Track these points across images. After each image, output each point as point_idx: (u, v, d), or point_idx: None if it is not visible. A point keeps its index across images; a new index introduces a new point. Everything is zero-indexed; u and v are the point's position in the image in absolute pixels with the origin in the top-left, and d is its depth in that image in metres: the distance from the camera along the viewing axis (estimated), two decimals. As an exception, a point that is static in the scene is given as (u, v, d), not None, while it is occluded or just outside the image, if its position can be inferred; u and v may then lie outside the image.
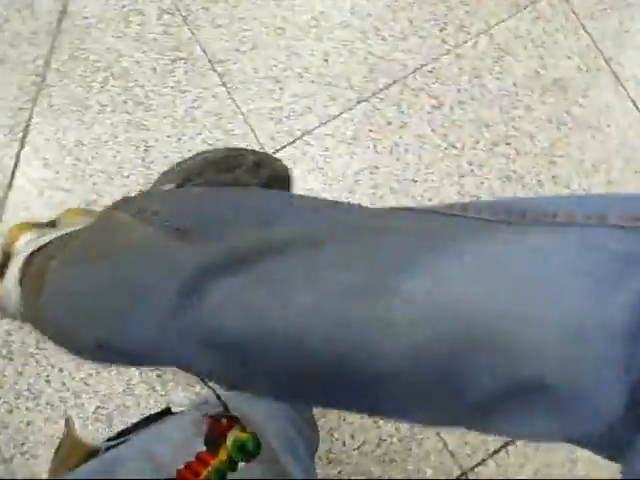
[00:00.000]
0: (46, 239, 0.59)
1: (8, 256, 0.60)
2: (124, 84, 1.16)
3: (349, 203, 0.52)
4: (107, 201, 1.12)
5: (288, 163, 1.15)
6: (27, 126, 1.14)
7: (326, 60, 1.21)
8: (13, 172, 1.12)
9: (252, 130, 1.17)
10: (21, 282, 0.58)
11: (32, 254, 0.58)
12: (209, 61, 1.18)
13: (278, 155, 1.17)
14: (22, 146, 1.13)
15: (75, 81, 1.16)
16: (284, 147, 1.17)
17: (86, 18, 1.18)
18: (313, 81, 1.20)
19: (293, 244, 0.40)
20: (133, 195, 0.58)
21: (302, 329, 0.37)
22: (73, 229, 0.59)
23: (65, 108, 1.15)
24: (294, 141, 1.18)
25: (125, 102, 1.16)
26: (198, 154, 0.77)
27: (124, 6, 1.19)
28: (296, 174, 1.16)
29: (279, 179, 0.79)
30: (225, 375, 0.43)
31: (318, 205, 0.50)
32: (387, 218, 0.43)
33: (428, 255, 0.36)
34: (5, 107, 1.14)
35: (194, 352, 0.41)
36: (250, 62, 1.19)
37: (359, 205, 0.50)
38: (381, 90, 1.22)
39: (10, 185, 1.12)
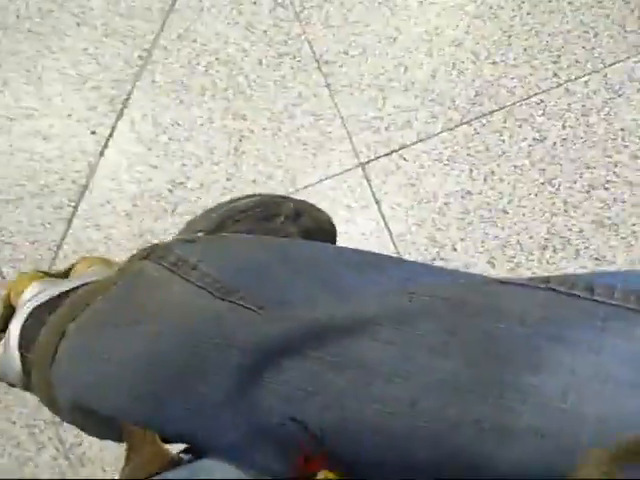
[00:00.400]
0: (56, 291, 0.47)
1: (12, 309, 0.49)
2: (228, 71, 1.15)
3: (440, 267, 0.42)
4: (192, 185, 1.10)
5: (380, 175, 1.12)
6: (127, 99, 1.13)
7: (433, 76, 1.18)
8: (107, 141, 1.11)
9: (349, 135, 1.14)
10: (22, 344, 0.46)
11: (39, 307, 0.47)
12: (316, 60, 1.16)
13: (372, 165, 1.13)
14: (119, 117, 1.12)
15: (180, 61, 1.14)
16: (378, 158, 1.14)
17: (200, 1, 1.17)
18: (417, 96, 1.17)
19: (378, 319, 0.33)
20: (166, 242, 0.47)
21: (395, 427, 0.30)
22: (91, 280, 0.48)
23: (166, 86, 1.14)
24: (390, 153, 1.14)
25: (226, 89, 1.14)
26: (233, 200, 0.65)
27: (239, -6, 1.17)
28: (386, 188, 1.13)
29: (321, 231, 0.69)
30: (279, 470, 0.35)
31: (401, 268, 0.40)
32: (490, 292, 0.34)
33: (554, 347, 0.29)
34: (109, 77, 1.14)
35: (252, 443, 0.34)
36: (357, 67, 1.16)
37: (451, 270, 0.41)
38: (485, 115, 1.18)
39: (102, 153, 1.11)
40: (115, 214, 1.10)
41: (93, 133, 1.12)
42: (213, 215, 0.62)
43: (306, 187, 1.12)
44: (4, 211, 1.12)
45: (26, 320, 0.46)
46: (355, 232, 1.12)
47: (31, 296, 0.47)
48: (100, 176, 1.11)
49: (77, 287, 0.46)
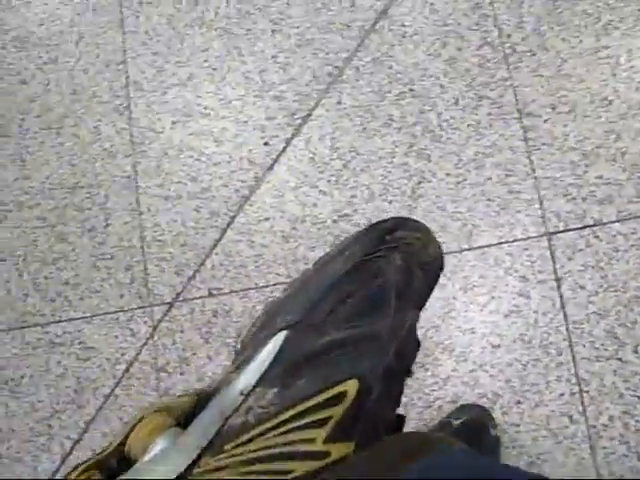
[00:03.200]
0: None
1: (127, 461, 0.39)
2: (420, 106, 1.05)
3: None
4: (359, 219, 1.01)
5: (567, 251, 0.98)
6: (308, 115, 1.06)
7: (647, 151, 1.03)
8: (279, 155, 1.05)
9: (540, 199, 1.01)
10: None
11: None
12: (518, 110, 1.04)
13: (559, 237, 1.00)
14: (297, 134, 1.05)
15: (371, 86, 1.06)
16: (569, 230, 1.00)
17: (403, 26, 1.09)
18: (625, 169, 1.03)
19: None
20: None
21: None
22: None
23: (352, 110, 1.06)
24: (583, 227, 1.01)
25: (415, 124, 1.05)
26: (311, 269, 0.48)
27: (446, 25, 1.08)
28: (571, 266, 0.99)
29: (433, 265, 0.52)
30: None
31: None
32: None
33: None
34: (295, 90, 1.07)
35: None
36: (562, 126, 1.04)
37: None
38: (701, 205, 1.02)
39: (271, 167, 1.05)
40: (272, 233, 1.03)
41: (266, 144, 1.05)
42: (305, 291, 0.49)
43: (482, 247, 1.01)
44: (161, 207, 1.08)
45: None
46: (526, 308, 0.99)
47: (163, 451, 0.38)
48: (264, 191, 1.04)
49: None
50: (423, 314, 1.01)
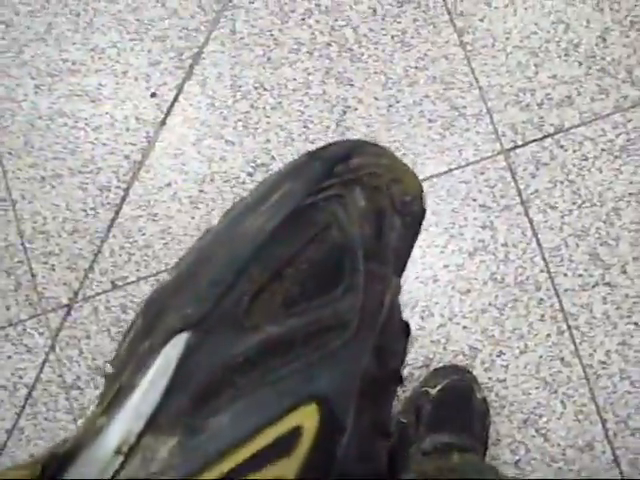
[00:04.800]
0: None
1: None
2: (331, 21, 0.87)
3: None
4: (277, 167, 0.83)
5: (529, 167, 0.82)
6: (199, 53, 0.87)
7: (604, 39, 0.88)
8: (171, 107, 0.85)
9: (489, 112, 0.85)
10: None
11: None
12: (448, 11, 0.87)
13: (518, 153, 0.84)
14: (188, 77, 0.86)
15: (269, 7, 0.88)
16: (528, 143, 0.85)
17: None
18: (581, 63, 0.87)
19: None
20: None
21: None
22: None
23: (251, 39, 0.87)
24: (543, 138, 0.85)
25: (329, 45, 0.87)
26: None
27: None
28: (537, 184, 0.83)
29: (412, 207, 0.34)
30: None
31: None
32: None
33: None
34: (179, 25, 0.88)
35: None
36: (502, 22, 0.87)
37: None
38: (671, 92, 0.87)
39: (163, 122, 0.85)
40: (176, 201, 0.84)
41: (153, 96, 0.86)
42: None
43: (430, 177, 0.84)
44: (38, 191, 0.88)
45: None
46: (493, 241, 0.83)
47: None
48: (159, 151, 0.85)
49: None
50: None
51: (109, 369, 0.27)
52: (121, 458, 0.23)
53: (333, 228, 0.26)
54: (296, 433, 0.23)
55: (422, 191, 0.32)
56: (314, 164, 0.27)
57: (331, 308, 0.25)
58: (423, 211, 0.31)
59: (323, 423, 0.23)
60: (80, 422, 0.73)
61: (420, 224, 0.31)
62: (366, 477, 0.25)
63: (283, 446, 0.23)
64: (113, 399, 0.24)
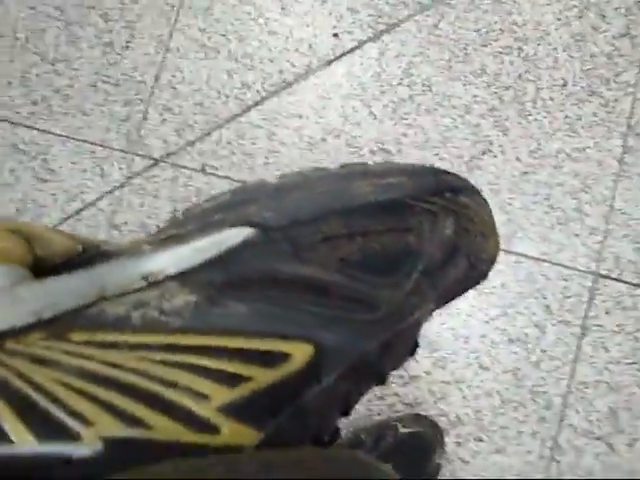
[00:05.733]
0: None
1: None
2: (523, 70, 0.87)
3: None
4: (398, 160, 0.84)
5: (608, 303, 0.82)
6: (395, 25, 0.88)
7: None
8: (343, 54, 0.87)
9: (605, 233, 0.84)
10: None
11: None
12: (628, 125, 0.86)
13: (609, 283, 0.83)
14: (374, 39, 0.88)
15: (477, 24, 0.88)
16: (620, 281, 0.84)
17: (546, -24, 0.90)
18: None
19: None
20: None
21: None
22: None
23: (446, 40, 0.88)
24: (637, 285, 0.84)
25: (508, 88, 0.87)
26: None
27: (594, -3, 0.89)
28: (606, 321, 0.82)
29: (481, 266, 0.37)
30: None
31: None
32: None
33: None
34: (396, -11, 0.89)
35: None
36: (669, 165, 0.86)
37: None
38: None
39: (329, 63, 0.87)
40: (297, 134, 0.87)
41: (335, 36, 0.88)
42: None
43: (520, 254, 0.84)
44: (192, 54, 0.91)
45: None
46: (536, 342, 0.83)
47: None
48: (310, 85, 0.87)
49: None
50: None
51: (179, 215, 0.30)
52: (143, 283, 0.25)
53: (413, 234, 0.29)
54: (286, 357, 0.25)
55: (496, 259, 0.34)
56: (432, 178, 0.30)
57: (373, 288, 0.28)
58: (486, 275, 0.34)
59: (309, 365, 0.26)
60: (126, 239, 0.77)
61: (478, 283, 0.34)
62: (304, 435, 0.27)
63: (272, 359, 0.25)
64: (165, 239, 0.27)
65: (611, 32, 0.88)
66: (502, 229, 0.84)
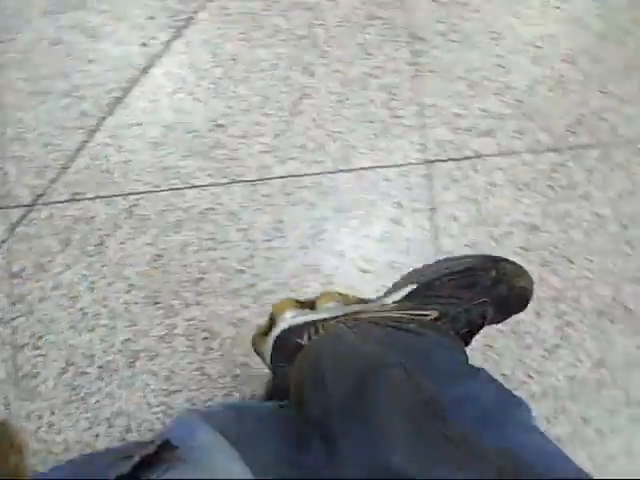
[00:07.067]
0: (303, 319, 0.74)
1: (274, 321, 0.75)
2: (309, 19, 1.01)
3: None
4: (234, 131, 0.97)
5: (444, 181, 0.97)
6: (190, 18, 1.00)
7: (532, 88, 1.02)
8: (156, 58, 0.98)
9: (423, 127, 0.99)
10: (277, 343, 0.74)
11: (295, 327, 0.73)
12: (409, 34, 1.01)
13: (438, 166, 0.99)
14: (176, 36, 0.99)
15: (261, -6, 1.01)
16: (446, 160, 0.99)
17: None
18: (510, 104, 1.02)
19: None
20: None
21: None
22: (331, 316, 0.75)
23: (237, 17, 1.00)
24: (461, 159, 0.99)
25: (302, 37, 1.00)
26: (441, 261, 0.80)
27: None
28: (447, 196, 0.98)
29: (513, 300, 0.79)
30: None
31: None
32: None
33: None
34: (179, -12, 1.00)
35: None
36: (451, 54, 1.02)
37: None
38: (579, 148, 1.02)
39: (146, 70, 0.98)
40: (142, 139, 0.97)
41: (144, 45, 0.99)
42: (423, 272, 0.78)
43: (358, 170, 0.98)
44: (26, 103, 1.00)
45: (283, 330, 0.73)
46: (399, 235, 0.97)
47: (290, 317, 0.74)
48: (138, 94, 0.98)
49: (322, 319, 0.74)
50: (292, 234, 0.98)
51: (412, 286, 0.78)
52: (380, 306, 0.79)
53: (500, 282, 0.77)
54: (428, 315, 0.75)
55: (529, 294, 0.80)
56: (493, 265, 0.77)
57: (454, 307, 0.75)
58: (524, 305, 0.81)
59: (437, 318, 0.76)
60: (17, 307, 0.86)
61: (511, 311, 0.82)
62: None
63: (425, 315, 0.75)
64: (387, 292, 0.82)
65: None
66: (336, 154, 0.98)
